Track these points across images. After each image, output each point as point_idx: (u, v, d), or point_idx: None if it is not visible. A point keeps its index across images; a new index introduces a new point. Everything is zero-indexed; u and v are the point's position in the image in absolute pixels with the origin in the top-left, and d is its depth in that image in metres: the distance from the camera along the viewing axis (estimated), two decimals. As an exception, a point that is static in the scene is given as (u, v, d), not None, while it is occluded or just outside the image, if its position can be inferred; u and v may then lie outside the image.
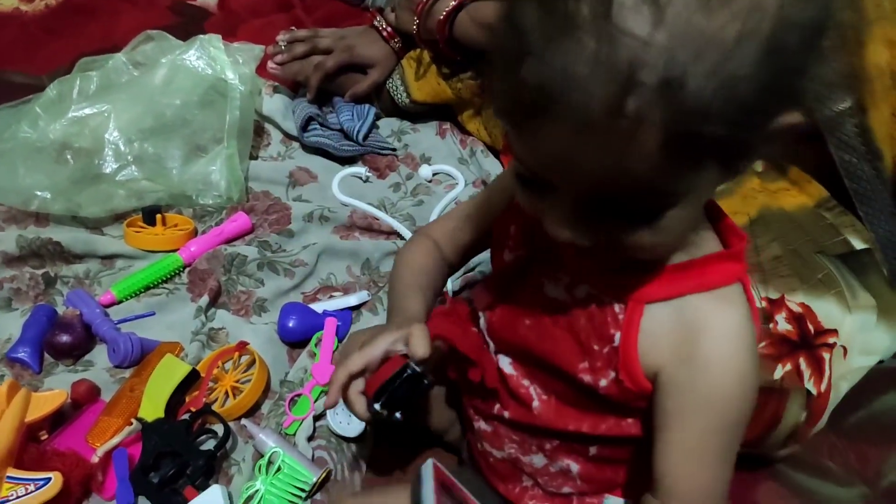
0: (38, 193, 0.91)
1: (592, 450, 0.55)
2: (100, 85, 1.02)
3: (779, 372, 0.65)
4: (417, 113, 1.14)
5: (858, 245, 0.75)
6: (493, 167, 1.06)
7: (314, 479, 0.67)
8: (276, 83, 1.15)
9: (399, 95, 1.12)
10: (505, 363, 0.56)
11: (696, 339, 0.46)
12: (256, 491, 0.66)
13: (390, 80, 1.12)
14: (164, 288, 0.88)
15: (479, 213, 0.63)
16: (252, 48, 1.08)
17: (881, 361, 0.78)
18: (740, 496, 0.72)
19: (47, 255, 0.89)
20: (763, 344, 0.66)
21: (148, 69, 1.02)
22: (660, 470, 0.49)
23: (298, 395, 0.76)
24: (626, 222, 0.40)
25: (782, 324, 0.67)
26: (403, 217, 1.00)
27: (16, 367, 0.79)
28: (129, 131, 0.96)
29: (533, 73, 0.35)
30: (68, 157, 0.94)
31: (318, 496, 0.68)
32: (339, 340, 0.81)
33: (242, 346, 0.77)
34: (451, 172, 1.07)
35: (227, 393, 0.75)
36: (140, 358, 0.79)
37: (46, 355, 0.80)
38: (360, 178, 1.06)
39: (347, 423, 0.72)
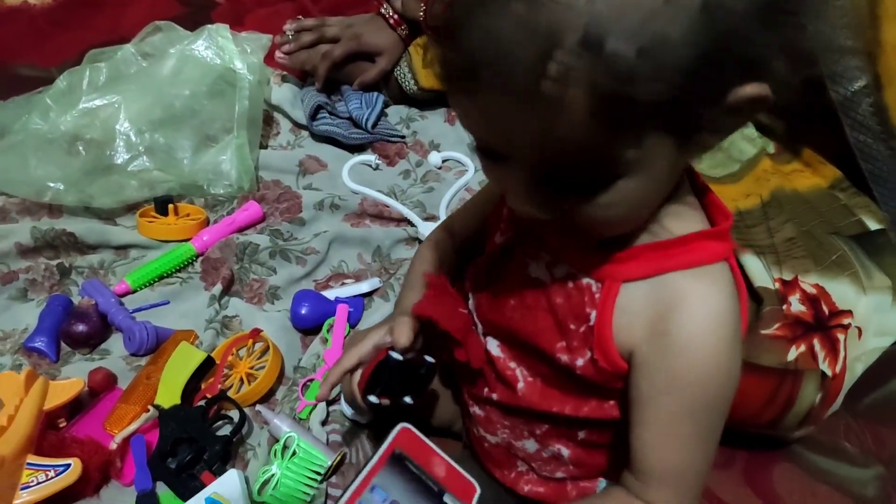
0: (51, 185, 0.92)
1: (581, 434, 0.55)
2: (109, 76, 1.03)
3: (793, 354, 0.65)
4: (426, 100, 1.14)
5: (873, 226, 0.75)
6: (503, 153, 1.06)
7: (329, 463, 0.67)
8: (285, 72, 1.15)
9: (407, 83, 1.11)
10: (493, 345, 0.56)
11: (671, 317, 0.45)
12: (272, 475, 0.66)
13: (398, 68, 1.12)
14: (178, 277, 0.89)
15: (484, 199, 0.64)
16: (260, 37, 1.08)
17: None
18: (756, 477, 0.72)
19: (61, 246, 0.89)
20: (777, 326, 0.66)
21: (156, 60, 1.02)
22: (635, 449, 0.48)
23: (311, 380, 0.76)
24: (575, 194, 0.40)
25: (796, 305, 0.67)
26: (413, 204, 1.00)
27: (33, 357, 0.79)
28: (140, 122, 0.96)
29: (462, 38, 0.35)
30: (80, 148, 0.94)
31: (333, 479, 0.69)
32: (351, 327, 0.82)
33: (256, 334, 0.77)
34: (460, 159, 1.07)
35: (241, 379, 0.75)
36: (155, 346, 0.79)
37: (63, 344, 0.81)
38: (370, 165, 1.06)
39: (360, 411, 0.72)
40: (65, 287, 0.87)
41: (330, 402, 0.74)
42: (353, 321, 0.82)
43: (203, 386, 0.75)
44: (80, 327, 0.79)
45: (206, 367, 0.75)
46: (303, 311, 0.81)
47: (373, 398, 0.55)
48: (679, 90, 0.34)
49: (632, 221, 0.45)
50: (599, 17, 0.32)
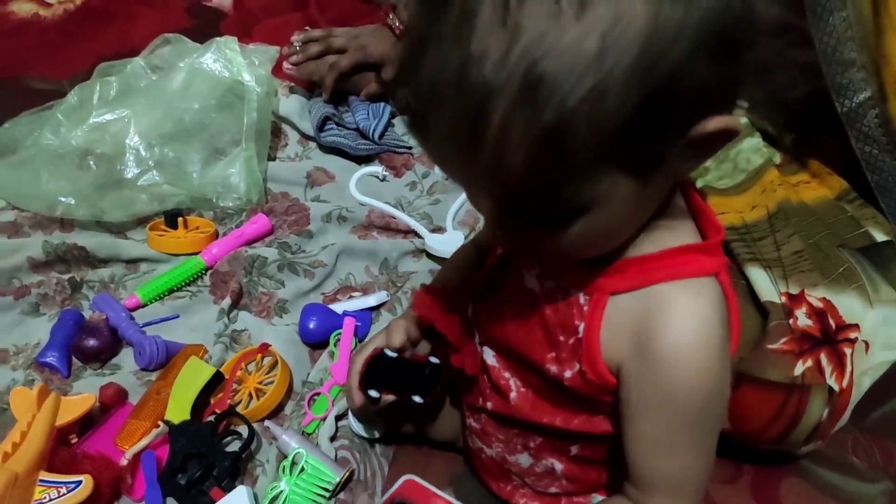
0: (62, 199, 0.93)
1: (574, 449, 0.56)
2: (119, 90, 1.04)
3: (800, 368, 0.64)
4: (433, 110, 1.14)
5: (880, 237, 0.75)
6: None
7: (337, 479, 0.68)
8: (292, 84, 1.16)
9: (414, 93, 1.12)
10: (489, 355, 0.57)
11: (654, 328, 0.44)
12: (281, 491, 0.67)
13: (405, 78, 1.13)
14: (188, 290, 0.90)
15: None
16: (267, 49, 1.09)
17: (904, 355, 0.77)
18: (764, 492, 0.72)
19: (73, 260, 0.90)
20: (783, 340, 0.66)
21: (166, 73, 1.03)
22: (632, 460, 0.49)
23: (317, 395, 0.77)
24: (540, 226, 0.40)
25: (803, 319, 0.67)
26: (420, 216, 1.00)
27: (45, 372, 0.80)
28: (150, 136, 0.97)
29: (412, 84, 0.36)
30: (91, 162, 0.95)
31: (342, 495, 0.69)
32: (359, 340, 0.82)
33: (265, 348, 0.78)
34: (467, 169, 1.07)
35: (250, 394, 0.76)
36: (165, 360, 0.80)
37: (74, 359, 0.82)
38: (377, 177, 1.06)
39: (369, 426, 0.73)
40: (76, 301, 0.88)
41: (339, 418, 0.75)
42: (360, 335, 0.82)
43: (212, 401, 0.76)
44: (91, 342, 0.80)
45: (216, 382, 0.76)
46: (311, 325, 0.81)
47: (373, 393, 0.58)
48: (623, 136, 0.34)
49: (606, 247, 0.45)
50: (536, 70, 0.32)
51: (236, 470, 0.70)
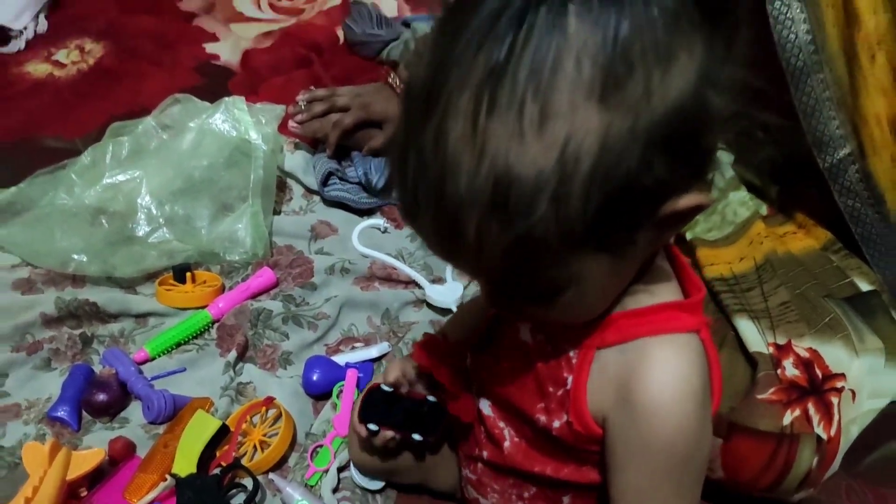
0: (75, 256, 0.96)
1: (566, 500, 0.57)
2: (131, 150, 1.08)
3: (788, 418, 0.66)
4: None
5: (865, 287, 0.77)
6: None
7: (340, 531, 0.69)
8: (297, 140, 1.20)
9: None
10: (485, 405, 0.59)
11: (637, 383, 0.47)
12: (285, 543, 0.68)
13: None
14: (195, 344, 0.92)
15: None
16: (274, 108, 1.13)
17: (893, 402, 0.79)
18: (759, 540, 0.73)
19: (84, 316, 0.93)
20: (772, 390, 0.68)
21: (176, 133, 1.08)
22: None
23: (320, 446, 0.79)
24: (528, 302, 0.44)
25: (790, 369, 0.69)
26: (421, 266, 1.03)
27: (56, 426, 0.83)
28: (161, 194, 1.01)
29: (398, 187, 0.40)
30: (103, 220, 0.99)
31: (344, 547, 0.71)
32: (360, 391, 0.84)
33: (269, 401, 0.80)
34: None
35: (255, 447, 0.78)
36: (173, 414, 0.82)
37: (85, 413, 0.84)
38: (379, 229, 1.09)
39: (371, 477, 0.74)
40: (87, 356, 0.90)
41: (341, 469, 0.77)
42: (361, 386, 0.84)
43: (218, 454, 0.78)
44: (101, 396, 0.82)
45: (222, 434, 0.78)
46: (314, 378, 0.84)
47: (372, 426, 0.62)
48: (591, 230, 0.37)
49: (591, 314, 0.47)
50: (503, 183, 0.35)
51: (241, 522, 0.71)
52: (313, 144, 1.21)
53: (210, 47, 1.47)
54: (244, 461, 0.76)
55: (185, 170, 1.03)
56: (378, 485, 0.75)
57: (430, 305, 0.97)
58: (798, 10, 0.70)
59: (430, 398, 0.63)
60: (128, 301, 0.95)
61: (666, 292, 0.49)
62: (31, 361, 0.89)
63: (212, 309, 0.94)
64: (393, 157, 0.40)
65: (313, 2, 1.57)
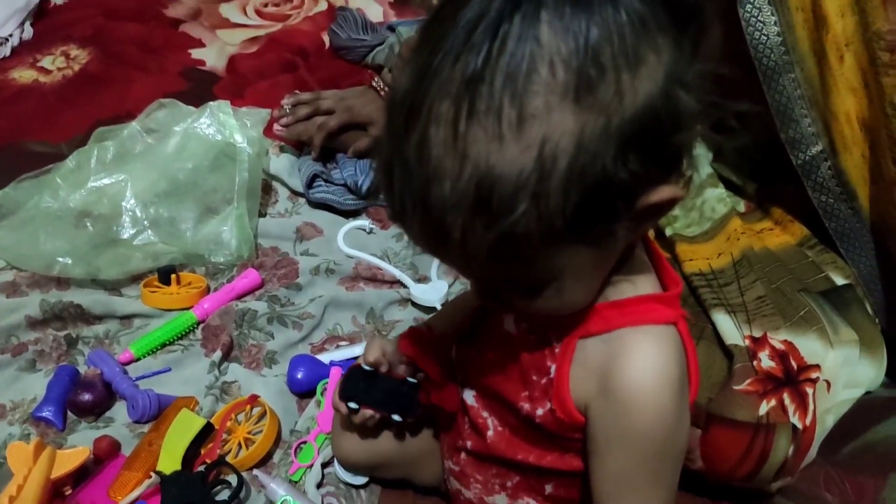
0: (60, 259, 0.96)
1: (549, 488, 0.58)
2: (116, 153, 1.08)
3: (764, 408, 0.67)
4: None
5: (839, 281, 0.79)
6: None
7: (324, 526, 0.70)
8: (283, 143, 1.21)
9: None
10: (468, 395, 0.60)
11: (616, 372, 0.48)
12: (269, 539, 0.69)
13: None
14: (180, 344, 0.93)
15: None
16: (259, 112, 1.14)
17: (869, 392, 0.80)
18: (738, 529, 0.74)
19: (69, 318, 0.94)
20: (748, 381, 0.69)
21: (161, 137, 1.08)
22: (597, 496, 0.52)
23: (304, 443, 0.79)
24: (515, 295, 0.46)
25: (766, 361, 0.70)
26: (406, 266, 1.04)
27: (41, 426, 0.83)
28: (145, 197, 1.02)
29: (386, 195, 0.41)
30: (87, 223, 0.99)
31: (328, 542, 0.71)
32: (346, 390, 0.85)
33: (254, 399, 0.81)
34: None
35: (239, 444, 0.78)
36: (158, 413, 0.83)
37: (70, 413, 0.84)
38: (364, 230, 1.10)
39: (355, 472, 0.75)
40: (72, 357, 0.91)
41: (325, 465, 0.77)
42: (346, 384, 0.85)
43: (203, 451, 0.78)
44: (86, 397, 0.82)
45: (206, 432, 0.78)
46: (298, 376, 0.84)
47: (352, 404, 0.63)
48: (571, 226, 0.38)
49: (579, 304, 0.49)
50: (485, 185, 0.37)
51: (226, 519, 0.72)
52: (298, 147, 1.21)
53: (196, 53, 1.48)
54: (229, 458, 0.77)
55: (169, 172, 1.03)
56: (362, 480, 0.75)
57: (415, 304, 0.98)
58: (769, 13, 0.71)
59: (410, 379, 0.64)
60: (113, 303, 0.95)
61: (646, 283, 0.51)
62: (15, 363, 0.89)
63: (197, 310, 0.94)
64: (379, 164, 0.41)
65: (299, 7, 1.58)
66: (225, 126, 1.10)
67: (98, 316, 0.95)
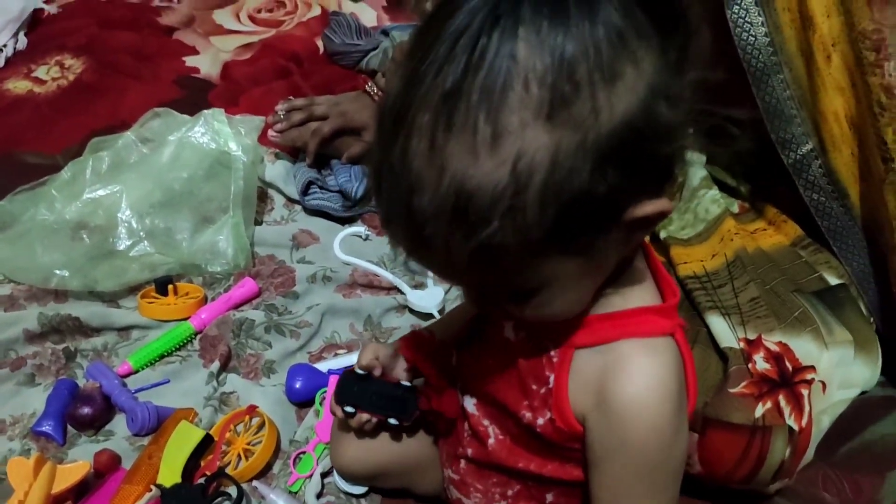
0: (57, 272, 0.96)
1: (549, 496, 0.59)
2: (111, 164, 1.08)
3: (760, 410, 0.68)
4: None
5: (833, 281, 0.79)
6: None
7: (324, 536, 0.70)
8: (277, 150, 1.21)
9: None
10: (469, 403, 0.60)
11: (613, 385, 0.48)
12: (270, 550, 0.69)
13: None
14: (178, 356, 0.93)
15: None
16: (253, 119, 1.14)
17: (864, 392, 0.80)
18: (737, 531, 0.74)
19: (67, 331, 0.94)
20: (743, 384, 0.69)
21: (156, 147, 1.08)
22: None
23: (303, 453, 0.80)
24: (505, 301, 0.46)
25: (760, 363, 0.70)
26: (402, 272, 1.04)
27: (41, 440, 0.83)
28: (141, 207, 1.02)
29: (376, 201, 0.42)
30: (84, 235, 1.00)
31: (329, 552, 0.72)
32: (344, 398, 0.85)
33: (252, 410, 0.81)
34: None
35: (239, 455, 0.79)
36: (157, 425, 0.83)
37: (69, 427, 0.84)
38: (360, 236, 1.10)
39: (354, 482, 0.75)
40: (70, 370, 0.91)
41: (324, 475, 0.77)
42: (344, 392, 0.85)
43: (203, 463, 0.78)
44: (86, 410, 0.82)
45: (206, 444, 0.79)
46: (297, 386, 0.84)
47: (348, 408, 0.63)
48: (550, 238, 0.39)
49: (572, 312, 0.48)
50: (462, 196, 0.38)
51: (226, 530, 0.72)
52: (293, 153, 1.22)
53: (190, 60, 1.48)
54: (228, 470, 0.77)
55: (165, 182, 1.04)
56: (362, 489, 0.76)
57: (412, 311, 0.98)
58: (756, 14, 0.72)
59: (405, 383, 0.64)
60: (110, 315, 0.96)
61: (641, 295, 0.51)
62: (14, 377, 0.90)
63: (194, 320, 0.95)
64: (370, 170, 0.42)
65: (293, 13, 1.58)
66: (219, 134, 1.10)
67: (96, 328, 0.95)
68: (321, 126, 1.15)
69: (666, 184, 0.42)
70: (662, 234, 0.86)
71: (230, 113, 1.14)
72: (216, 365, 0.89)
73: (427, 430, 0.70)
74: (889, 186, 0.70)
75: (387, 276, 1.01)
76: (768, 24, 0.72)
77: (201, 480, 0.76)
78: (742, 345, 0.72)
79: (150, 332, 0.96)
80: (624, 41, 0.37)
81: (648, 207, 0.41)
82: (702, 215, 0.87)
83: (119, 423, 0.85)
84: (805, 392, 0.69)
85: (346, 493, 0.76)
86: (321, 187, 1.14)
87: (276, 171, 1.17)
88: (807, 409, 0.69)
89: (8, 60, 1.48)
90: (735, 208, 0.89)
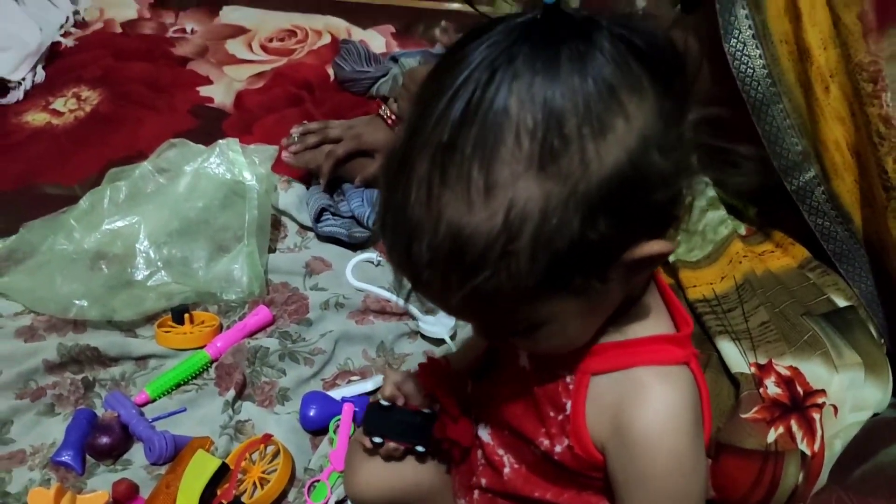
0: (76, 302, 0.98)
1: None
2: (128, 194, 1.10)
3: (772, 435, 0.68)
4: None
5: (841, 303, 0.79)
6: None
7: (340, 564, 0.71)
8: (291, 178, 1.22)
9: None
10: (484, 433, 0.61)
11: (630, 414, 0.49)
12: (286, 579, 0.70)
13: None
14: (194, 384, 0.94)
15: None
16: (267, 149, 1.16)
17: (877, 414, 0.80)
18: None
19: (86, 361, 0.96)
20: (755, 409, 0.69)
21: (172, 177, 1.10)
22: None
23: (317, 482, 0.80)
24: (510, 334, 0.47)
25: (772, 388, 0.71)
26: (413, 298, 1.05)
27: (60, 470, 0.84)
28: (158, 237, 1.04)
29: (383, 240, 0.44)
30: (102, 266, 1.02)
31: (344, 580, 0.72)
32: (357, 426, 0.86)
33: (268, 438, 0.82)
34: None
35: (255, 484, 0.80)
36: (174, 454, 0.84)
37: (88, 456, 0.86)
38: (372, 262, 1.11)
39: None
40: (89, 400, 0.92)
41: (339, 503, 0.78)
42: (358, 420, 0.86)
43: (219, 492, 0.79)
44: (104, 440, 0.84)
45: (222, 473, 0.80)
46: (311, 414, 0.85)
47: (376, 439, 0.64)
48: (545, 283, 0.40)
49: (575, 344, 0.49)
50: (457, 244, 0.39)
51: (243, 559, 0.73)
52: (306, 179, 1.23)
53: (204, 90, 1.51)
54: (244, 498, 0.78)
55: (181, 212, 1.06)
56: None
57: (424, 336, 0.99)
58: (753, 47, 0.73)
59: (426, 410, 0.65)
60: (128, 344, 0.97)
61: (655, 325, 0.51)
62: (35, 408, 0.91)
63: (210, 349, 0.96)
64: (379, 213, 0.44)
65: (304, 41, 1.61)
66: (234, 164, 1.12)
67: (114, 358, 0.97)
68: (335, 148, 1.17)
69: (666, 226, 0.43)
70: (671, 258, 0.87)
71: (244, 141, 1.16)
72: (231, 393, 0.90)
73: (441, 459, 0.71)
74: (891, 213, 0.70)
75: (399, 301, 1.02)
76: (766, 56, 0.73)
77: (218, 509, 0.77)
78: (753, 370, 0.72)
79: (167, 362, 0.97)
80: (615, 95, 0.38)
81: (647, 249, 0.42)
82: (710, 236, 0.88)
83: (137, 453, 0.86)
84: (817, 416, 0.69)
85: (361, 521, 0.77)
86: (334, 213, 1.15)
87: (289, 198, 1.19)
88: (819, 433, 0.69)
89: (27, 93, 1.51)
90: (742, 230, 0.89)
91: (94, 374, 0.95)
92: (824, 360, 0.73)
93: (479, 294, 0.40)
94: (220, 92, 1.50)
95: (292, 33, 1.63)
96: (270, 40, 1.62)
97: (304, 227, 1.18)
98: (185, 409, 0.91)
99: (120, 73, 1.56)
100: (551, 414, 0.53)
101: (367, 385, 0.91)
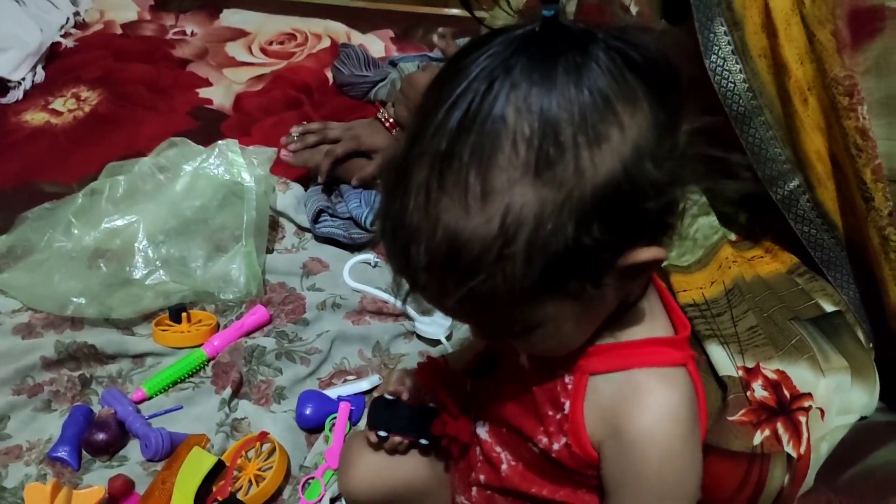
0: (74, 299, 0.99)
1: None
2: (127, 190, 1.10)
3: (758, 438, 0.69)
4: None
5: (829, 308, 0.80)
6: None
7: (333, 561, 0.72)
8: (289, 180, 1.23)
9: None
10: (482, 431, 0.62)
11: (628, 414, 0.49)
12: (280, 574, 0.71)
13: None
14: (191, 382, 0.95)
15: None
16: (265, 150, 1.17)
17: (864, 418, 0.82)
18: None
19: (83, 358, 0.96)
20: (742, 412, 0.71)
21: (171, 177, 1.11)
22: None
23: (311, 479, 0.81)
24: (506, 335, 0.48)
25: (759, 391, 0.72)
26: (410, 299, 1.06)
27: (57, 466, 0.85)
28: (155, 234, 1.05)
29: (380, 238, 0.45)
30: (101, 264, 1.03)
31: (337, 577, 0.73)
32: (353, 424, 0.87)
33: (263, 436, 0.83)
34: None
35: (250, 481, 0.81)
36: (170, 451, 0.85)
37: (84, 453, 0.86)
38: (370, 263, 1.12)
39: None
40: (86, 397, 0.93)
41: (333, 500, 0.79)
42: (354, 419, 0.87)
43: (215, 489, 0.80)
44: (101, 436, 0.85)
45: (218, 470, 0.81)
46: (307, 412, 0.86)
47: (381, 433, 0.66)
48: (539, 286, 0.41)
49: (571, 346, 0.50)
50: (454, 248, 0.41)
51: (237, 555, 0.74)
52: (304, 179, 1.24)
53: (203, 92, 1.52)
54: (240, 495, 0.79)
55: (179, 211, 1.07)
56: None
57: (420, 337, 1.00)
58: (733, 62, 0.74)
59: (430, 404, 0.67)
60: (125, 342, 0.98)
61: (653, 327, 0.52)
62: (31, 404, 0.92)
63: (207, 347, 0.97)
64: (379, 217, 0.45)
65: (303, 45, 1.62)
66: (233, 165, 1.13)
67: (111, 355, 0.97)
68: (334, 147, 1.18)
69: (660, 233, 0.45)
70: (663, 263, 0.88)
71: (243, 143, 1.17)
72: (228, 391, 0.91)
73: (440, 456, 0.72)
74: (871, 223, 0.71)
75: (395, 302, 1.04)
76: (746, 70, 0.74)
77: (213, 505, 0.78)
78: (741, 373, 0.73)
79: (164, 360, 0.98)
80: (610, 105, 0.40)
81: (641, 255, 0.43)
82: (700, 241, 0.89)
83: (133, 449, 0.87)
84: (803, 419, 0.71)
85: (355, 518, 0.78)
86: (332, 215, 1.16)
87: (288, 200, 1.20)
88: (805, 435, 0.70)
89: (26, 93, 1.52)
90: (732, 236, 0.91)
91: (91, 371, 0.96)
92: (811, 364, 0.74)
93: (475, 296, 0.41)
94: (219, 94, 1.51)
95: (292, 37, 1.65)
96: (270, 43, 1.64)
97: (301, 229, 1.19)
98: (181, 407, 0.92)
99: (120, 74, 1.57)
100: (550, 413, 0.54)
101: (363, 385, 0.92)
